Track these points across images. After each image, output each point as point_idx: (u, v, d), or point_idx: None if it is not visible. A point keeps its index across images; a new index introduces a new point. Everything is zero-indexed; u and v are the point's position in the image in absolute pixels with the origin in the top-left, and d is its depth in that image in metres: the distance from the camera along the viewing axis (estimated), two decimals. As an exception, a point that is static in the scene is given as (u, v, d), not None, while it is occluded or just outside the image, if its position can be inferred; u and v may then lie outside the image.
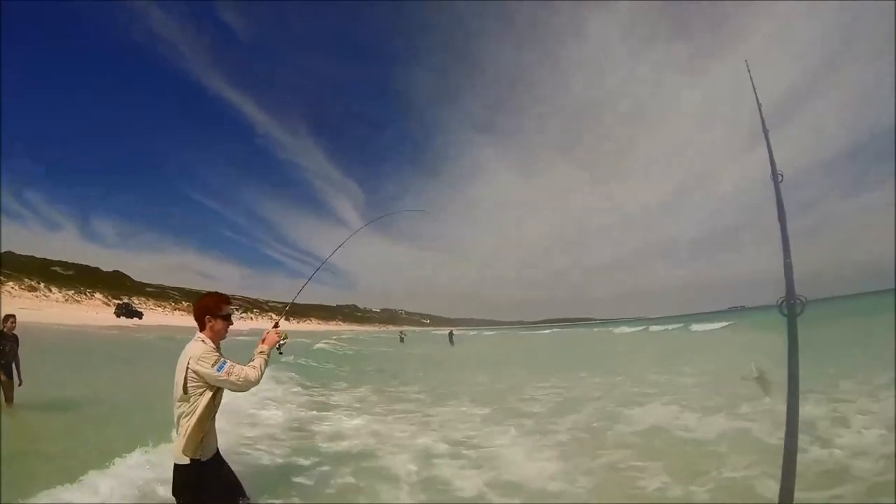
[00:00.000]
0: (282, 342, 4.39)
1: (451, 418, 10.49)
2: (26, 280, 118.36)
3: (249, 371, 3.86)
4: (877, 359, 13.24)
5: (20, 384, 10.15)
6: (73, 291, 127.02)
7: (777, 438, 7.07)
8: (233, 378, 3.76)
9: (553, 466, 6.95)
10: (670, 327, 59.39)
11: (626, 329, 69.36)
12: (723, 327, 46.99)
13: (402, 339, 59.93)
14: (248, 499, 4.32)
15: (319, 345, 38.63)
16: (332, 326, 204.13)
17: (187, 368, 3.67)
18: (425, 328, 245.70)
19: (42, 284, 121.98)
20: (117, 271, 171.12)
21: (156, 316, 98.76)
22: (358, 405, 12.34)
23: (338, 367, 24.61)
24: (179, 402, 3.72)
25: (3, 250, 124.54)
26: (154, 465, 5.78)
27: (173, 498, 3.79)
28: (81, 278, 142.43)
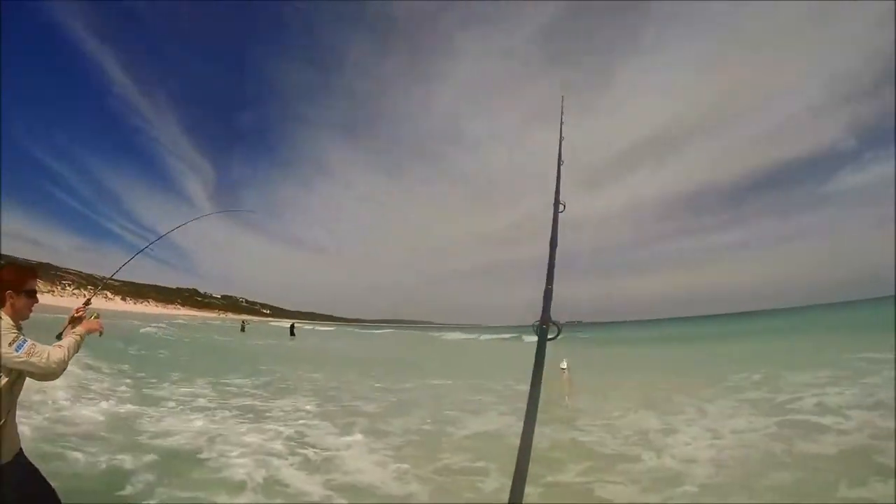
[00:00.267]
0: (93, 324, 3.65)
1: (289, 416, 10.30)
2: None
3: (55, 351, 3.14)
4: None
5: None
6: None
7: (611, 449, 8.00)
8: (34, 359, 3.02)
9: (392, 468, 7.07)
10: (506, 336, 61.87)
11: (459, 335, 71.48)
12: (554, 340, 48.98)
13: (243, 329, 58.90)
14: None
15: (147, 329, 36.70)
16: (171, 310, 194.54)
17: None
18: (265, 319, 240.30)
19: None
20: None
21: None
22: (192, 399, 11.60)
23: (174, 356, 23.34)
24: None
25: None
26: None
27: None
28: None
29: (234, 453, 7.36)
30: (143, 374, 14.77)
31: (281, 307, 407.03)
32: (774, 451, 7.59)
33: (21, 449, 3.31)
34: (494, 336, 66.02)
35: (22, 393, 3.23)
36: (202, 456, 7.23)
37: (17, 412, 3.25)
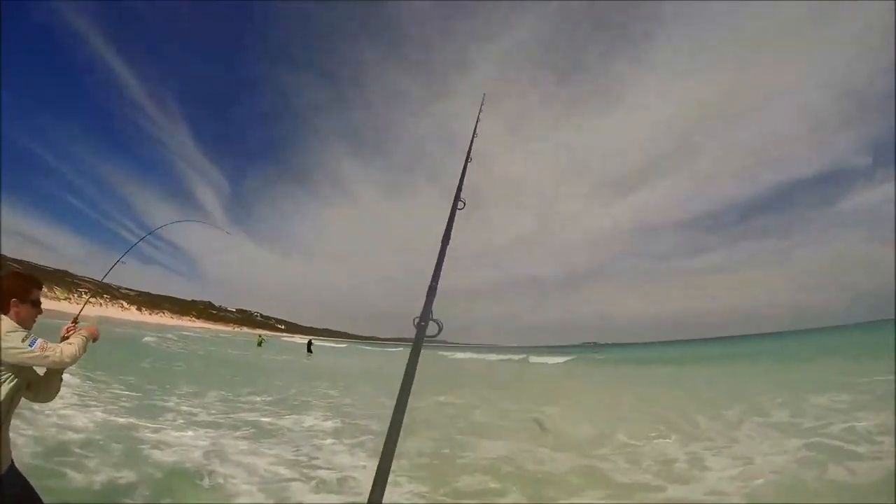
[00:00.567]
0: None
1: (302, 433, 10.03)
2: None
3: (66, 347, 3.23)
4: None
5: None
6: None
7: (630, 478, 7.68)
8: (48, 353, 3.11)
9: (406, 489, 6.83)
10: (514, 357, 60.93)
11: (468, 355, 70.30)
12: (565, 361, 48.71)
13: (260, 343, 58.32)
14: None
15: (147, 338, 36.62)
16: (186, 322, 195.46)
17: None
18: (279, 334, 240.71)
19: None
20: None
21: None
22: (199, 414, 11.35)
23: (188, 368, 23.26)
24: None
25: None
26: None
27: None
28: None
29: (241, 472, 7.16)
30: (152, 387, 14.58)
31: (296, 322, 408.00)
32: (806, 479, 7.22)
33: (13, 462, 3.22)
34: (502, 357, 65.17)
35: (22, 403, 3.25)
36: (206, 474, 7.00)
37: (15, 422, 3.20)
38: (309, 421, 11.24)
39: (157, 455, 7.62)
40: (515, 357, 60.07)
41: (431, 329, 2.02)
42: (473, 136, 3.65)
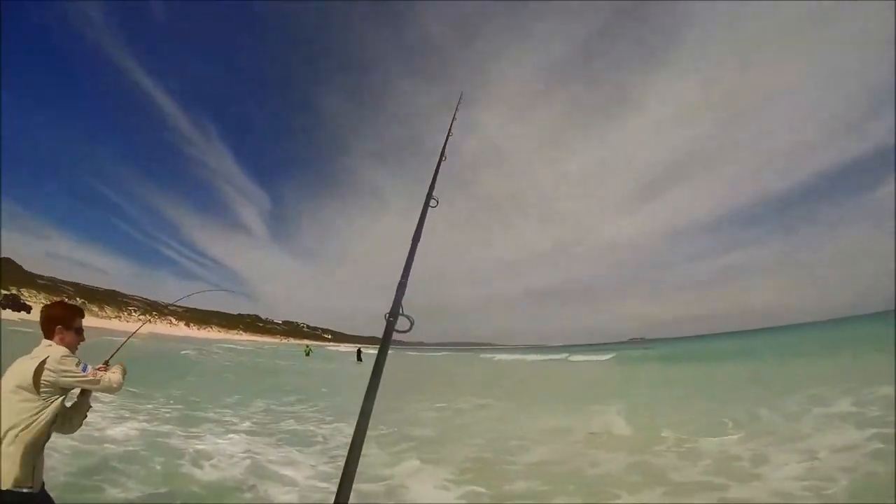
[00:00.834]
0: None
1: (344, 443, 9.67)
2: None
3: (113, 375, 3.53)
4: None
5: None
6: None
7: (687, 476, 7.30)
8: (99, 377, 3.41)
9: (459, 493, 6.65)
10: (556, 357, 60.45)
11: (511, 356, 70.11)
12: (610, 358, 47.49)
13: (307, 353, 58.88)
14: None
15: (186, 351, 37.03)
16: (233, 335, 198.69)
17: (43, 371, 3.14)
18: (326, 343, 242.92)
19: None
20: (7, 259, 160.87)
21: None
22: (241, 424, 11.33)
23: (232, 379, 23.42)
24: (16, 414, 3.08)
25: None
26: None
27: None
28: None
29: (280, 484, 7.04)
30: (195, 399, 14.63)
31: (342, 332, 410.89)
32: (879, 473, 6.76)
33: (43, 482, 3.31)
34: (544, 357, 64.32)
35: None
36: (246, 487, 6.88)
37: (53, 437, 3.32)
38: (350, 430, 11.06)
39: (198, 468, 7.56)
40: (557, 356, 59.59)
41: (403, 324, 2.07)
42: (448, 135, 3.68)
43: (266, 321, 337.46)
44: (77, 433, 7.05)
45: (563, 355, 57.72)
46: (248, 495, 6.57)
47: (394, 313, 2.10)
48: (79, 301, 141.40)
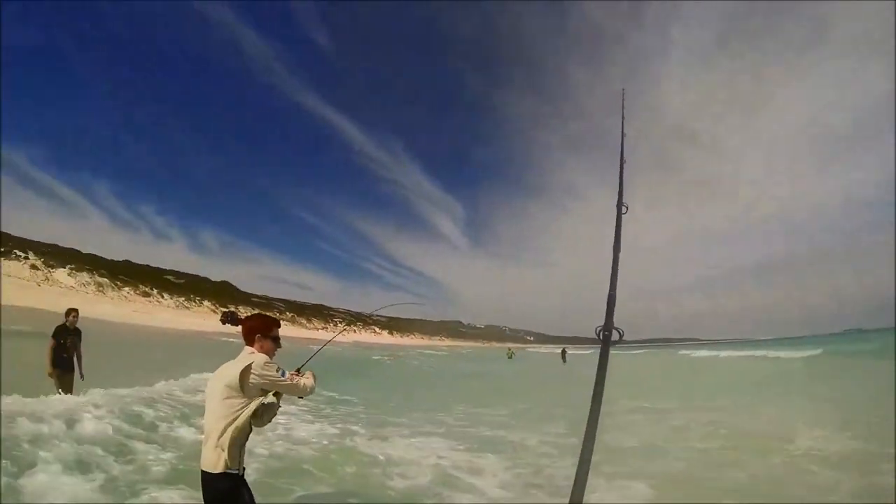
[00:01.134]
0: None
1: (538, 450, 9.46)
2: (140, 286, 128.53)
3: (306, 381, 4.08)
4: None
5: (81, 378, 10.13)
6: (183, 299, 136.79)
7: None
8: (296, 381, 3.97)
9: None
10: (753, 353, 53.81)
11: (704, 353, 64.56)
12: (814, 355, 39.70)
13: (510, 356, 59.48)
14: None
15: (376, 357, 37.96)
16: (436, 342, 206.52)
17: (248, 374, 3.73)
18: (528, 345, 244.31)
19: (155, 291, 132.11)
20: (225, 282, 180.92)
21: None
22: (436, 430, 11.28)
23: (431, 383, 23.60)
24: (224, 409, 3.71)
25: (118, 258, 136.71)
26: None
27: None
28: (192, 287, 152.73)
29: (472, 489, 6.95)
30: (389, 404, 14.86)
31: (544, 333, 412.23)
32: None
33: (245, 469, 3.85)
34: (739, 353, 58.14)
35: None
36: (434, 493, 6.85)
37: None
38: (544, 437, 10.54)
39: (385, 474, 7.64)
40: (755, 352, 53.83)
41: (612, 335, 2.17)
42: (623, 137, 3.56)
43: (468, 326, 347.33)
44: (272, 434, 8.17)
45: (762, 351, 51.91)
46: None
47: (608, 328, 2.21)
48: (288, 315, 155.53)
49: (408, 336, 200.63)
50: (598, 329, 2.22)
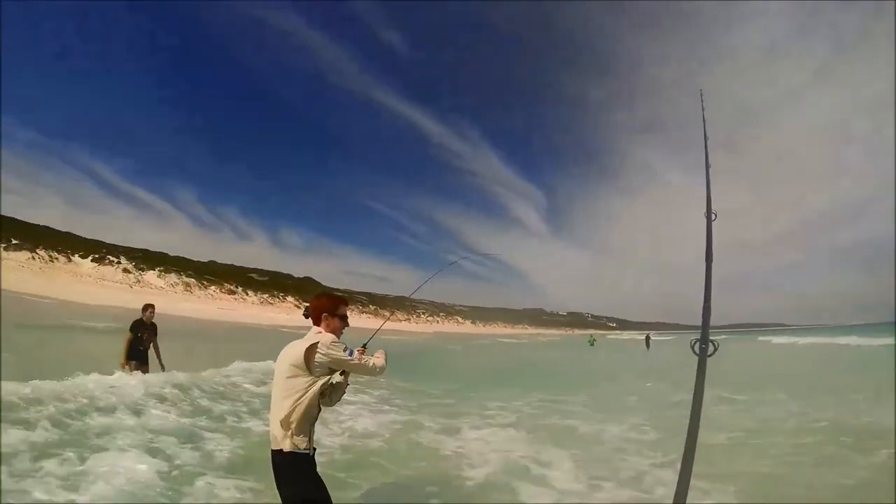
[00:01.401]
0: None
1: (614, 444, 9.05)
2: (225, 285, 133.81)
3: (376, 360, 4.02)
4: None
5: (162, 370, 10.74)
6: (267, 295, 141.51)
7: None
8: (364, 361, 3.91)
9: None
10: (829, 340, 52.15)
11: (784, 339, 63.33)
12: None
13: (591, 343, 59.02)
14: None
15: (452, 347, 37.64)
16: (518, 330, 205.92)
17: (315, 353, 3.75)
18: (610, 332, 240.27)
19: (240, 289, 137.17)
20: (308, 277, 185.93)
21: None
22: (508, 419, 11.09)
23: (508, 372, 23.37)
24: (289, 388, 3.73)
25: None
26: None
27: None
28: (275, 283, 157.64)
29: (541, 481, 6.75)
30: (465, 393, 14.82)
31: (626, 319, 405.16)
32: None
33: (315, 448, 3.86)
34: (817, 339, 55.76)
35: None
36: (503, 484, 6.66)
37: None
38: (619, 429, 10.09)
39: (454, 465, 7.54)
40: (832, 339, 50.55)
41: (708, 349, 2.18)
42: (706, 140, 3.44)
43: (550, 314, 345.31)
44: (338, 427, 8.73)
45: (842, 338, 49.01)
46: (504, 496, 6.35)
47: (704, 339, 2.21)
48: (371, 308, 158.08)
49: (490, 325, 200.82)
50: (694, 342, 2.23)
